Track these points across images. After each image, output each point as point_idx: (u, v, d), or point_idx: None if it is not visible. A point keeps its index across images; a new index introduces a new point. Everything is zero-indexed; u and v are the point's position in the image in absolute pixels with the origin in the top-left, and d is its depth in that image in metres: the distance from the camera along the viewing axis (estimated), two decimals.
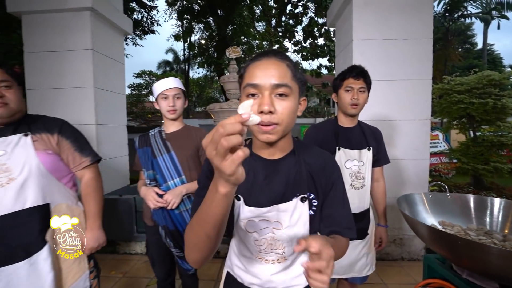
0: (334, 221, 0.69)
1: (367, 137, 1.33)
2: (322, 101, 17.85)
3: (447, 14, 14.54)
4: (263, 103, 0.58)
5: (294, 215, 0.66)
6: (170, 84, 1.36)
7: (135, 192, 3.15)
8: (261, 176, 0.67)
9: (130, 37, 8.24)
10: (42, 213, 0.98)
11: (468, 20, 15.84)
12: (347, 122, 1.35)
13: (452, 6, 14.20)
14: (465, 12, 14.44)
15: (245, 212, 0.66)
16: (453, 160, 6.20)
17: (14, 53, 4.71)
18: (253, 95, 0.60)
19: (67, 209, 1.06)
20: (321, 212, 0.70)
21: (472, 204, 1.29)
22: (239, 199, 0.66)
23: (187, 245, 0.57)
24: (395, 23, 2.33)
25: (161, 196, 1.30)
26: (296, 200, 0.66)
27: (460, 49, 17.77)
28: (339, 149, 1.30)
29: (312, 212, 0.68)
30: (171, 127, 1.42)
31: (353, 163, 1.29)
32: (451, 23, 14.70)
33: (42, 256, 0.95)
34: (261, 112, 0.58)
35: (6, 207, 0.91)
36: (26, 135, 1.00)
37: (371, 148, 1.31)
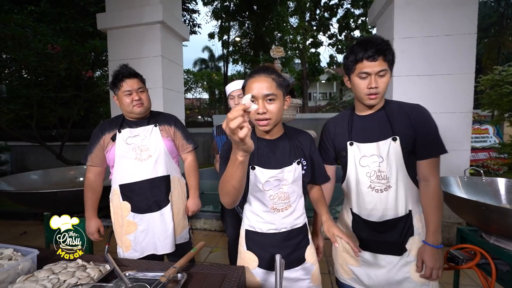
0: (316, 181, 1.10)
1: (394, 123, 1.01)
2: None
3: None
4: (259, 107, 0.89)
5: (294, 174, 0.99)
6: (234, 86, 1.73)
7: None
8: (268, 150, 1.00)
9: None
10: (167, 181, 1.40)
11: None
12: (364, 108, 1.08)
13: None
14: None
15: (263, 175, 0.96)
16: (504, 155, 5.84)
17: (87, 60, 5.56)
18: (252, 101, 0.89)
19: (178, 181, 1.47)
20: (309, 169, 1.05)
21: (504, 187, 1.46)
22: (254, 169, 0.97)
23: (221, 194, 0.87)
24: (437, 20, 2.44)
25: None
26: (294, 164, 0.99)
27: None
28: (351, 144, 1.07)
29: (303, 172, 1.02)
30: None
31: (370, 160, 1.03)
32: (507, 7, 13.21)
33: (167, 210, 1.37)
34: (258, 113, 0.90)
35: (147, 174, 1.34)
36: (156, 125, 1.42)
37: (398, 137, 0.99)
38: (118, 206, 1.34)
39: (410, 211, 1.03)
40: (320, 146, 1.19)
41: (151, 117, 1.47)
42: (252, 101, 0.89)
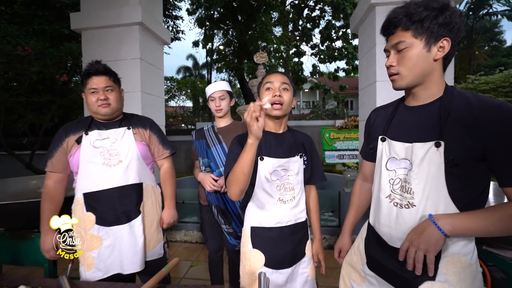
0: (313, 179, 1.18)
1: (448, 122, 0.72)
2: (340, 104, 17.79)
3: (470, 13, 14.16)
4: (275, 91, 1.04)
5: (298, 165, 1.08)
6: (215, 88, 1.63)
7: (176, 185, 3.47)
8: (274, 142, 1.09)
9: None
10: (138, 189, 1.25)
11: (493, 18, 15.26)
12: (411, 97, 0.84)
13: (476, 5, 13.82)
14: (490, 10, 13.99)
15: (272, 165, 1.04)
16: None
17: (62, 63, 5.28)
18: (269, 88, 1.06)
19: (152, 189, 1.33)
20: (309, 166, 1.16)
21: (492, 190, 1.44)
22: (262, 159, 1.03)
23: (229, 184, 0.94)
24: None
25: (215, 181, 1.55)
26: (297, 157, 1.09)
27: (486, 47, 17.08)
28: (383, 139, 0.85)
29: (305, 166, 1.12)
30: (221, 122, 1.68)
31: (400, 164, 0.79)
32: (475, 21, 14.29)
33: (137, 222, 1.22)
34: (274, 96, 1.03)
35: (116, 182, 1.19)
36: (129, 128, 1.28)
37: (443, 143, 0.71)
38: (81, 218, 1.18)
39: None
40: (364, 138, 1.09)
41: (124, 119, 1.34)
42: (269, 89, 1.07)
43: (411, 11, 0.72)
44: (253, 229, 1.07)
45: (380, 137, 0.86)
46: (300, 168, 1.09)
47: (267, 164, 1.03)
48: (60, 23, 5.88)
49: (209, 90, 1.64)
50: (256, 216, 1.07)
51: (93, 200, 1.17)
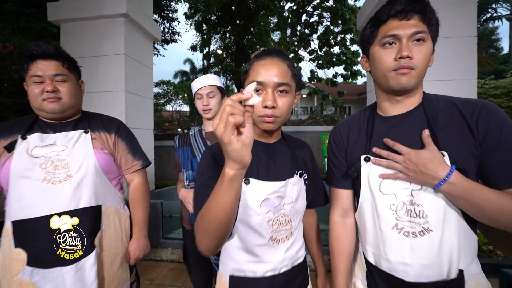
0: (315, 202, 0.91)
1: (440, 129, 0.65)
2: (338, 109, 17.60)
3: None
4: (266, 99, 0.68)
5: (298, 189, 0.77)
6: (202, 82, 1.32)
7: (161, 197, 3.13)
8: (264, 156, 0.76)
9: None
10: (94, 214, 0.93)
11: (497, 23, 15.34)
12: (391, 106, 0.72)
13: (479, 9, 13.89)
14: (494, 14, 14.03)
15: (262, 191, 0.71)
16: None
17: None
18: (257, 90, 0.69)
19: (115, 213, 1.01)
20: (310, 189, 0.86)
21: None
22: (248, 183, 0.70)
23: (198, 232, 0.59)
24: None
25: None
26: (296, 176, 0.77)
27: (484, 54, 17.12)
28: (367, 159, 0.72)
29: (306, 187, 0.81)
30: (210, 126, 1.37)
31: (398, 185, 0.68)
32: (478, 26, 14.37)
33: (89, 263, 0.89)
34: (265, 107, 0.68)
35: (61, 205, 0.87)
36: (86, 132, 0.97)
37: (446, 153, 0.63)
38: (7, 255, 0.85)
39: (461, 271, 0.64)
40: (329, 161, 0.84)
41: (82, 120, 1.03)
42: (257, 90, 0.69)
43: (430, 5, 0.64)
44: (233, 280, 0.75)
45: (363, 156, 0.73)
46: (300, 193, 0.78)
47: (254, 190, 0.71)
48: (48, 21, 5.60)
49: (195, 85, 1.34)
50: (238, 261, 0.75)
51: (25, 231, 0.85)
